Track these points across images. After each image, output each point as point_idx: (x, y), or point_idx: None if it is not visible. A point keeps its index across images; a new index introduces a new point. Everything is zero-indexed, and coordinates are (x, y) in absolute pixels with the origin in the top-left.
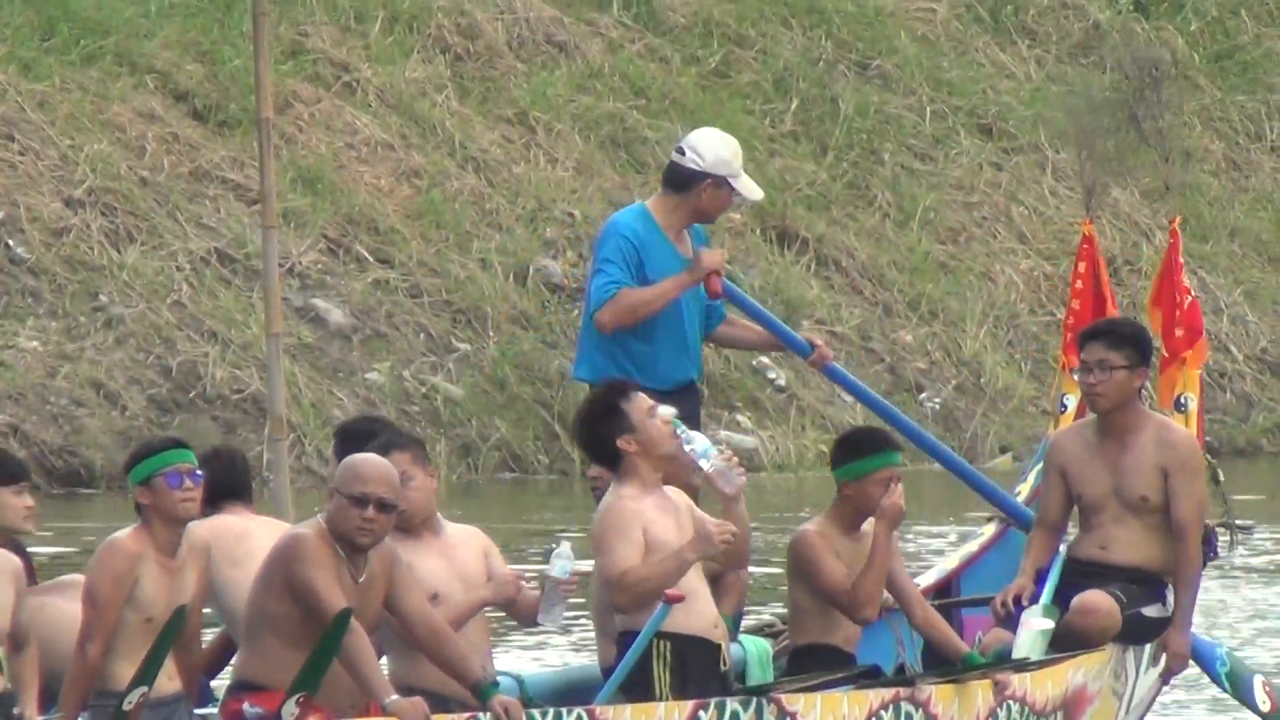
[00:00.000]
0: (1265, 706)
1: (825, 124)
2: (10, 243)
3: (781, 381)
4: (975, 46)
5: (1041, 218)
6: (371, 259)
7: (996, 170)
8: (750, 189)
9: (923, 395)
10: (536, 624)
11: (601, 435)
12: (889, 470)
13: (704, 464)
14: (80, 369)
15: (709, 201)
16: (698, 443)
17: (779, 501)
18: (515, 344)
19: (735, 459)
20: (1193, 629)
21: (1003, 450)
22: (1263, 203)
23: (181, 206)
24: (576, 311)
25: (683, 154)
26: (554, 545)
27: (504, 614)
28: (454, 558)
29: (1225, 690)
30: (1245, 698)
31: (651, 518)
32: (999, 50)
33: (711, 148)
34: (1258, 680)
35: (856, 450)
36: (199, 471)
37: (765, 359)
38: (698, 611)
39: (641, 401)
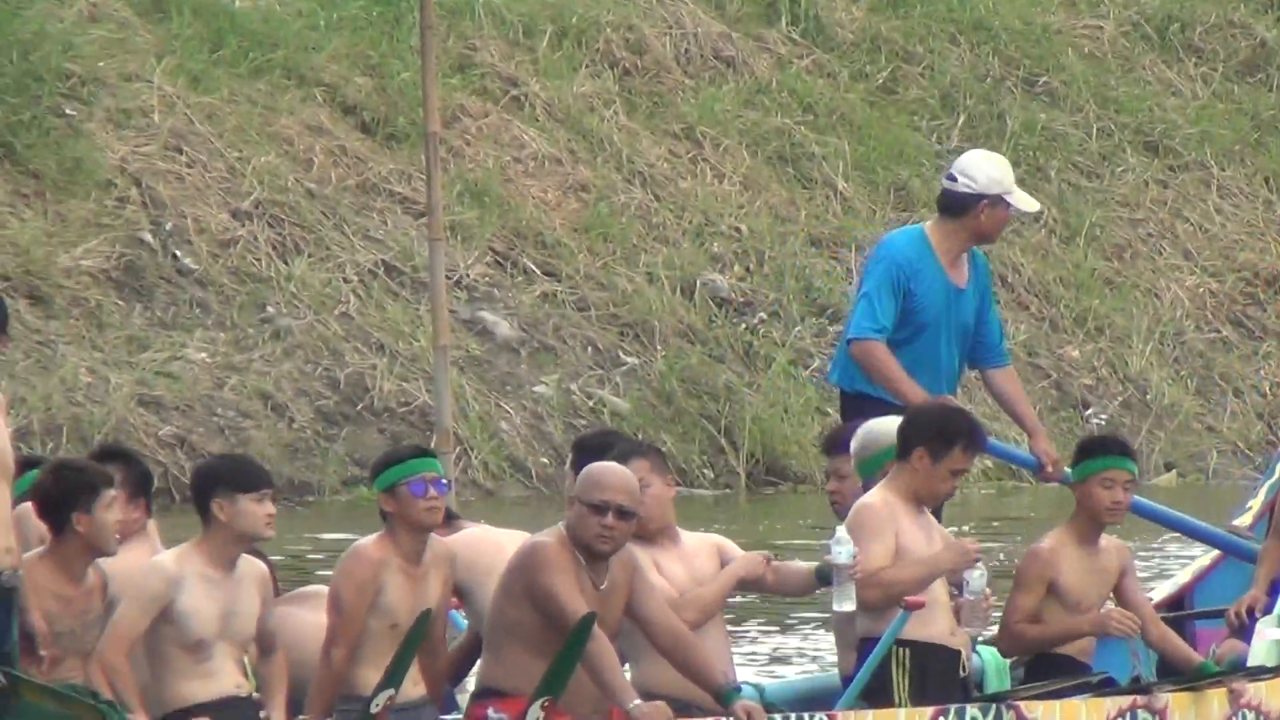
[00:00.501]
0: None
1: (992, 140)
2: (178, 254)
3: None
4: (1142, 64)
5: (1207, 235)
6: (539, 272)
7: (1162, 187)
8: (1026, 202)
9: (1089, 411)
10: (793, 597)
11: (908, 435)
12: (1113, 472)
13: (966, 592)
14: (248, 380)
15: (988, 221)
16: (977, 575)
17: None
18: (682, 358)
19: (990, 604)
20: None
21: (1167, 467)
22: None
23: (348, 219)
24: (744, 325)
25: (954, 180)
26: (833, 533)
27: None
28: (692, 565)
29: None
30: None
31: (904, 525)
32: (1165, 68)
33: (982, 169)
34: None
35: (1086, 451)
36: (444, 481)
37: None
38: (936, 619)
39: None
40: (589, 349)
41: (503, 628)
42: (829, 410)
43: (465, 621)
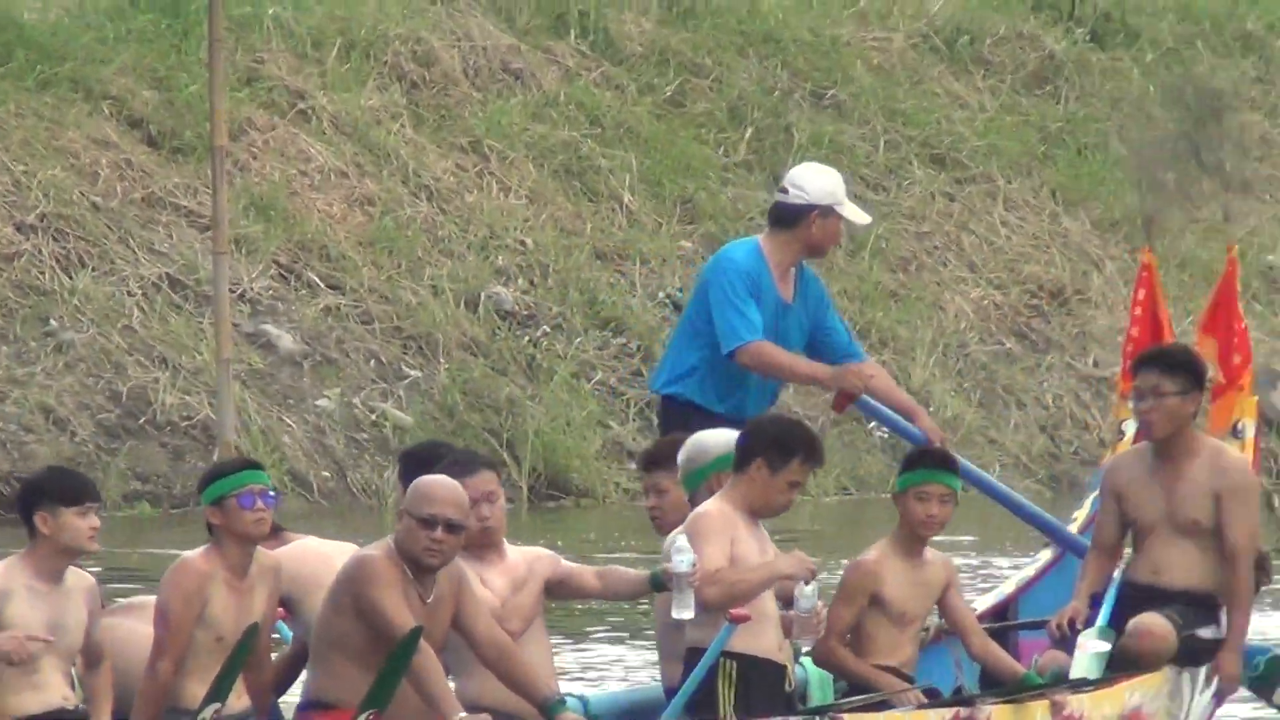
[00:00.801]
0: None
1: (779, 153)
2: None
3: None
4: (930, 76)
5: (993, 247)
6: (323, 285)
7: (948, 200)
8: (857, 214)
9: (872, 424)
10: (618, 602)
11: (748, 447)
12: (929, 485)
13: (800, 606)
14: (30, 394)
15: (819, 233)
16: (809, 591)
17: None
18: (465, 371)
19: (821, 619)
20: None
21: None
22: (1213, 233)
23: (133, 232)
24: (527, 338)
25: (786, 191)
26: (672, 543)
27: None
28: (516, 578)
29: (1253, 680)
30: (1265, 691)
31: (740, 535)
32: (954, 80)
33: (814, 180)
34: None
35: (906, 464)
36: (272, 493)
37: None
38: (765, 633)
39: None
40: (372, 362)
41: (329, 640)
42: (611, 424)
43: (290, 631)
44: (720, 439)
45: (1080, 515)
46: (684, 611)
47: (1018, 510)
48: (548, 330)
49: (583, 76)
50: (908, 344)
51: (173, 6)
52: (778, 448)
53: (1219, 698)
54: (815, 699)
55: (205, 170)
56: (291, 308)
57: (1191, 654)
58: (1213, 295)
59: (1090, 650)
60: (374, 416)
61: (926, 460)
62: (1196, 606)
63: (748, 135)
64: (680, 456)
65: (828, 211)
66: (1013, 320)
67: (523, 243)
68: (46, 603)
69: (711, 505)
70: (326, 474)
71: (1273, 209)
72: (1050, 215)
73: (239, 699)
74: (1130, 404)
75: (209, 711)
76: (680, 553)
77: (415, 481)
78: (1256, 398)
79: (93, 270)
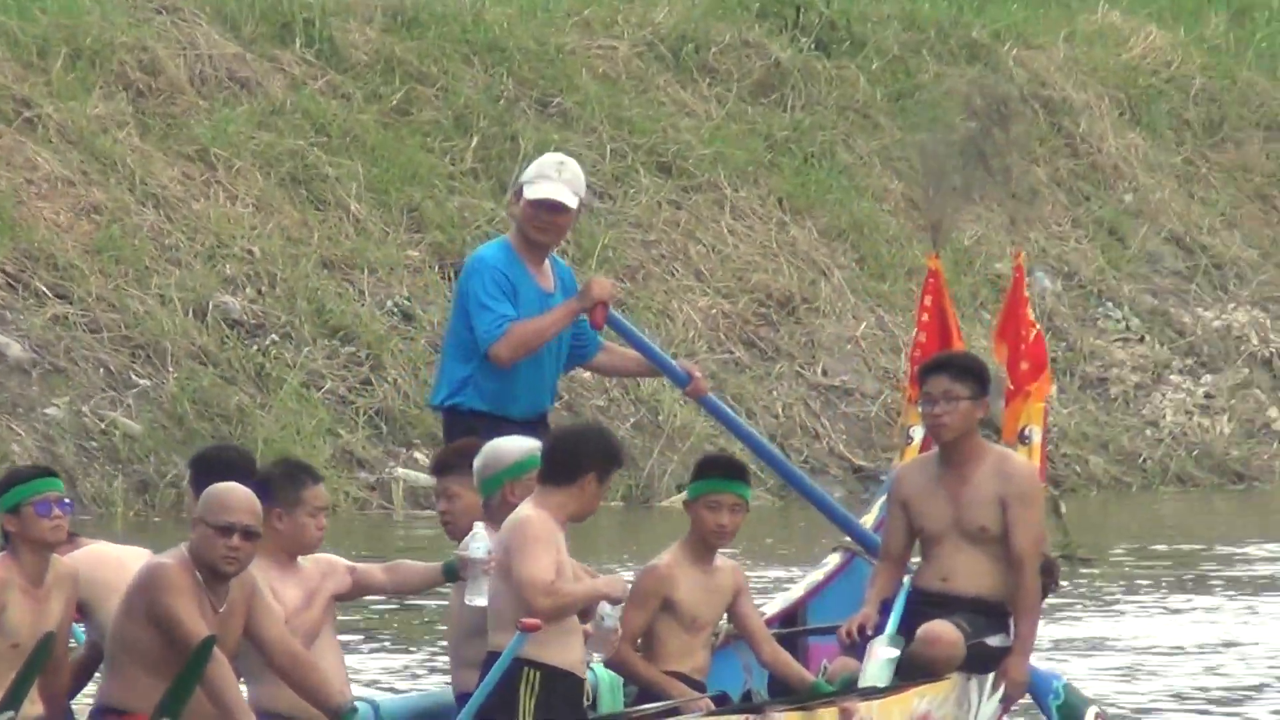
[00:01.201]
0: None
1: (505, 161)
2: None
3: None
4: (656, 85)
5: (720, 256)
6: (50, 294)
7: (675, 209)
8: (540, 191)
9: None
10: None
11: (579, 459)
12: (719, 495)
13: (604, 625)
14: None
15: (521, 215)
16: (611, 611)
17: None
18: (194, 380)
19: (619, 635)
20: (1034, 659)
21: (679, 489)
22: (995, 241)
23: None
24: (256, 347)
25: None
26: (471, 532)
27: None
28: (308, 586)
29: (1050, 716)
30: None
31: (562, 545)
32: (680, 89)
33: (532, 165)
34: (1091, 711)
35: (697, 472)
36: (68, 500)
37: None
38: (571, 646)
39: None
40: (101, 370)
41: (123, 646)
42: (341, 432)
43: (84, 634)
44: (517, 446)
45: (868, 519)
46: (477, 598)
47: (808, 495)
48: (276, 339)
49: (308, 85)
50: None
51: None
52: (607, 460)
53: (1005, 704)
54: (605, 704)
55: None
56: (19, 316)
57: (979, 661)
58: (1004, 303)
59: (880, 657)
60: (103, 425)
61: (718, 469)
62: (985, 614)
63: (474, 144)
64: (476, 463)
65: (520, 193)
66: (741, 329)
67: (250, 251)
68: None
69: (534, 513)
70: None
71: (998, 217)
72: (778, 224)
73: (32, 706)
74: (919, 409)
75: (2, 719)
76: (476, 539)
77: (210, 490)
78: (1044, 404)
79: None
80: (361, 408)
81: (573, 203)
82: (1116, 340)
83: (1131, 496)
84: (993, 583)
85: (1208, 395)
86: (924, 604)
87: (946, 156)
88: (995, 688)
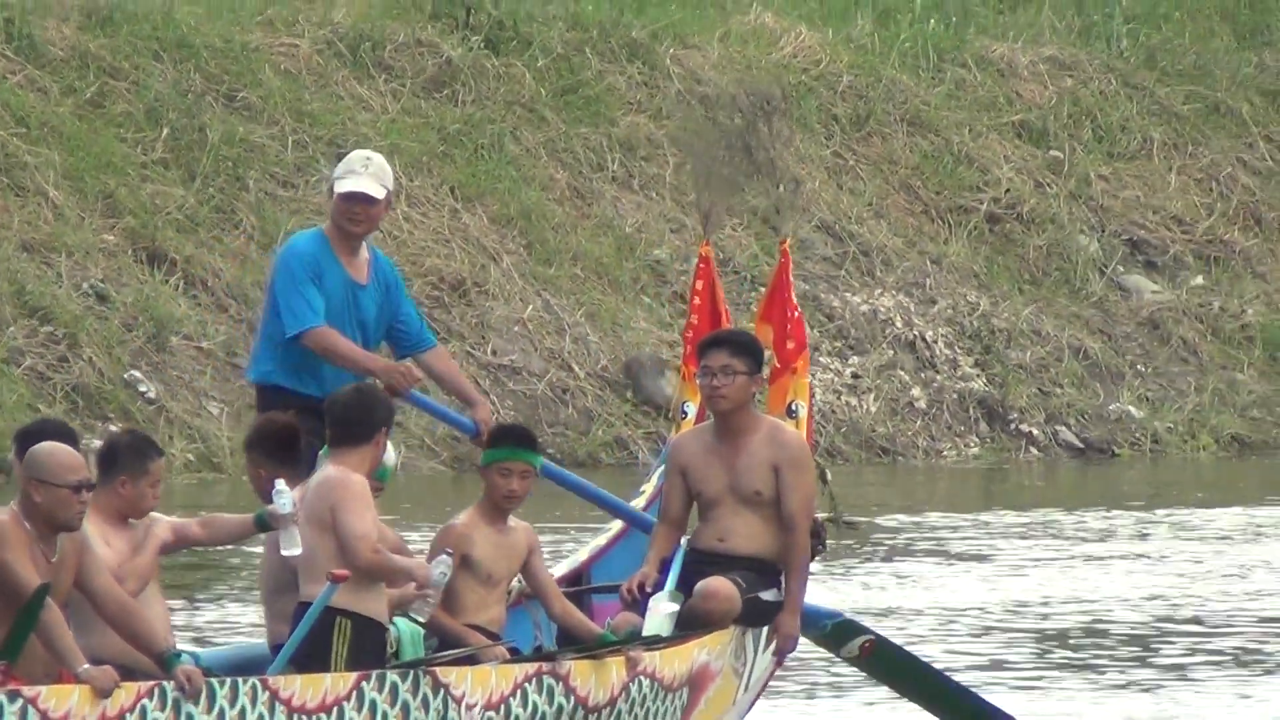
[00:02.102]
0: (853, 654)
1: (194, 151)
2: None
3: (152, 394)
4: (335, 80)
5: (396, 241)
6: None
7: None
8: (348, 184)
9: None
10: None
11: (371, 414)
12: (510, 462)
13: (437, 573)
14: None
15: (334, 211)
16: (438, 572)
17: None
18: None
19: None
20: (811, 601)
21: None
22: (604, 229)
23: None
24: None
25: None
26: (273, 488)
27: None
28: (137, 541)
29: (820, 639)
30: (838, 648)
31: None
32: (358, 84)
33: (342, 162)
34: (860, 640)
35: (489, 440)
36: None
37: (138, 372)
38: (378, 598)
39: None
40: None
41: None
42: (41, 407)
43: None
44: None
45: (648, 488)
46: (292, 549)
47: (583, 492)
48: None
49: (8, 79)
50: None
51: None
52: (390, 415)
53: (779, 656)
54: (408, 653)
55: None
56: None
57: (755, 614)
58: (769, 286)
59: (661, 612)
60: None
61: (509, 438)
62: (759, 571)
63: (164, 135)
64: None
65: (332, 189)
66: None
67: None
68: None
69: (351, 474)
70: None
71: (660, 206)
72: (450, 211)
73: None
74: (697, 383)
75: None
76: (281, 495)
77: (44, 451)
78: (809, 380)
79: None
80: (59, 383)
81: (380, 194)
82: None
83: None
84: (766, 543)
85: (855, 375)
86: (702, 563)
87: (714, 150)
88: (769, 640)
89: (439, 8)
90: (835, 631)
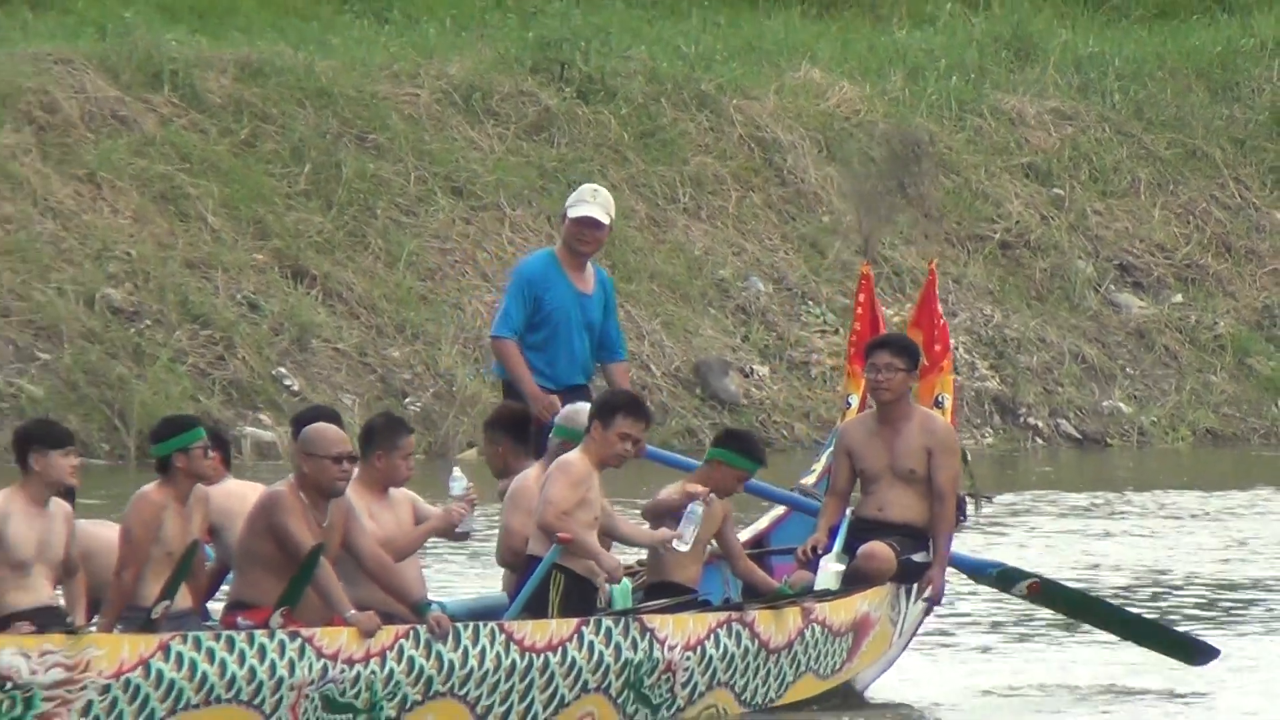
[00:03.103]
0: (1023, 593)
1: (331, 184)
2: None
3: (295, 387)
4: (451, 124)
5: (502, 260)
6: None
7: (466, 224)
8: (580, 209)
9: (407, 400)
10: (461, 536)
11: (597, 409)
12: (738, 470)
13: (454, 487)
14: None
15: (565, 233)
16: (458, 481)
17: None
18: (85, 355)
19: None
20: (967, 552)
21: (469, 445)
22: (676, 252)
23: None
24: (134, 330)
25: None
26: (450, 474)
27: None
28: (397, 513)
29: (990, 582)
30: (1009, 588)
31: (592, 484)
32: (469, 128)
33: (574, 193)
34: (1025, 582)
35: (729, 443)
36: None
37: (283, 369)
38: (594, 552)
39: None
40: (10, 347)
41: (249, 556)
42: (200, 398)
43: (213, 553)
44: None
45: (817, 467)
46: (467, 528)
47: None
48: (149, 323)
49: (175, 122)
50: (435, 337)
51: None
52: (611, 410)
53: (928, 607)
54: (618, 604)
55: None
56: None
57: (908, 573)
58: (919, 298)
59: (830, 570)
60: (12, 390)
61: (743, 451)
62: (912, 537)
63: (306, 170)
64: (559, 415)
65: (565, 216)
66: None
67: (129, 254)
68: (38, 523)
69: (567, 456)
70: None
71: (724, 234)
72: (547, 237)
73: (184, 599)
74: (866, 378)
75: (160, 608)
76: (456, 480)
77: (312, 429)
78: (952, 377)
79: None
80: (217, 379)
81: (605, 220)
82: (816, 331)
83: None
84: (918, 513)
85: None
86: (864, 530)
87: (873, 185)
88: (920, 594)
89: (538, 63)
90: (1001, 577)
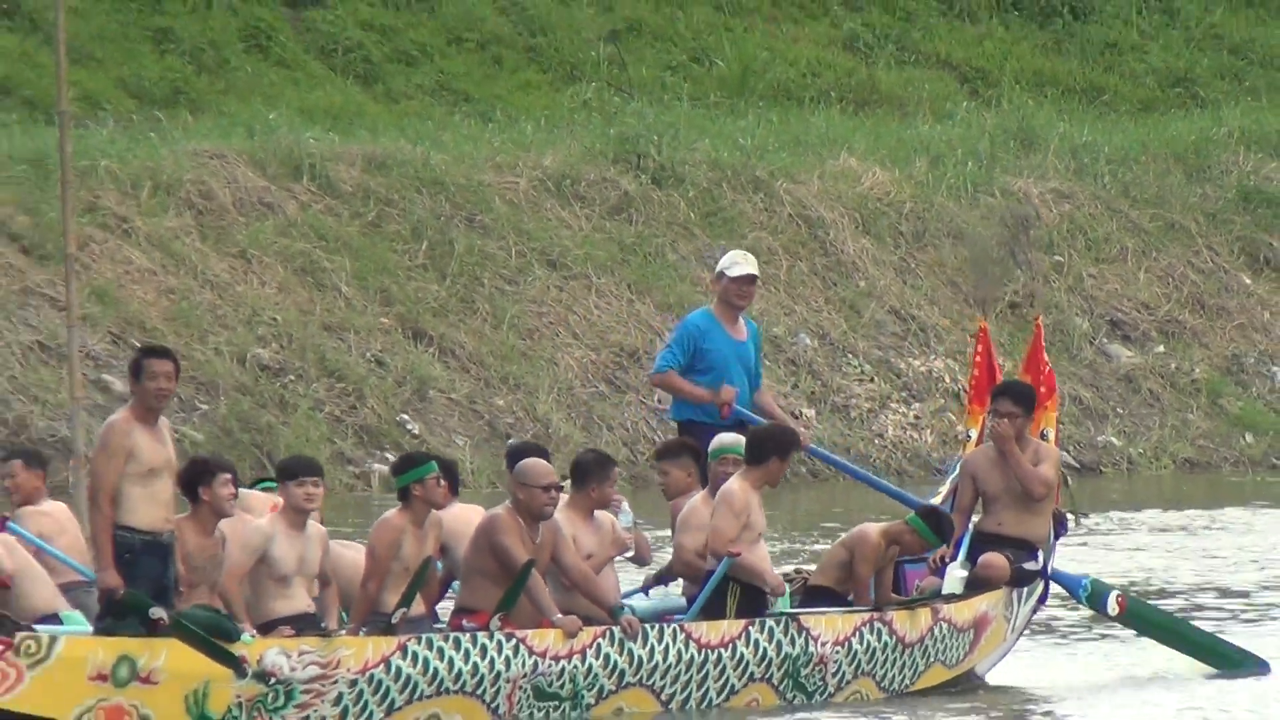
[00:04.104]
0: (1114, 611)
1: (445, 259)
2: None
3: (416, 431)
4: (545, 206)
5: (589, 322)
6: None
7: (559, 291)
8: (735, 268)
9: (509, 441)
10: (641, 561)
11: (765, 444)
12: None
13: (623, 519)
14: None
15: (722, 290)
16: (626, 515)
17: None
18: (238, 405)
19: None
20: (1063, 569)
21: (564, 479)
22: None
23: (13, 313)
24: (279, 384)
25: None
26: (620, 508)
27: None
28: (599, 534)
29: (1083, 603)
30: (1099, 607)
31: (754, 506)
32: (560, 209)
33: (722, 258)
34: (1113, 595)
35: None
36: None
37: (406, 415)
38: (760, 571)
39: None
40: (176, 399)
41: (473, 568)
42: (336, 440)
43: (441, 566)
44: (729, 438)
45: (943, 489)
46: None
47: (876, 486)
48: (292, 378)
49: (313, 207)
50: (533, 387)
51: (38, 160)
52: (783, 447)
53: (1036, 607)
54: (780, 608)
55: (61, 270)
56: (121, 363)
57: (1020, 579)
58: (1028, 349)
59: (955, 576)
60: (177, 435)
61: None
62: (1023, 549)
63: (424, 247)
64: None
65: (720, 275)
66: (603, 371)
67: (274, 319)
68: (297, 542)
69: (737, 485)
70: None
71: (777, 297)
72: (626, 301)
73: (418, 606)
74: (986, 416)
75: (399, 614)
76: (625, 514)
77: (526, 463)
78: (1056, 414)
79: None
80: (349, 424)
81: (757, 274)
82: (855, 380)
83: (866, 486)
84: (1029, 528)
85: (916, 417)
86: (984, 542)
87: (988, 253)
88: (1029, 596)
89: (619, 155)
90: (1093, 593)
